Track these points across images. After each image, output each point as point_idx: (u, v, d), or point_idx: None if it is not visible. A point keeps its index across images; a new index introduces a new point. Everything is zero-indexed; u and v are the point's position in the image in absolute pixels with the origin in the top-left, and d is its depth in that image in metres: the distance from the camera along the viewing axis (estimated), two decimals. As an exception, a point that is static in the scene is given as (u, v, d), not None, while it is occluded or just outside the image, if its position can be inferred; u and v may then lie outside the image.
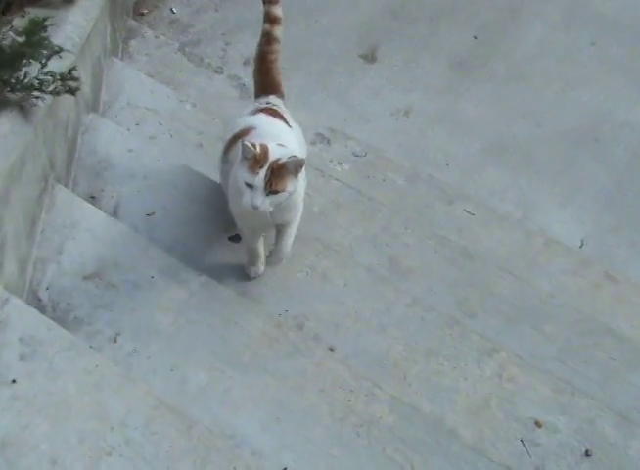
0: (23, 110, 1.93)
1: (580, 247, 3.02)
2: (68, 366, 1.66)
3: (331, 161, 2.94)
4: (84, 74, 2.45)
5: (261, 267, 2.21)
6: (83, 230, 2.05)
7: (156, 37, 3.23)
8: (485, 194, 3.15)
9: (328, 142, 3.01)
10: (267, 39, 2.28)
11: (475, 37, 3.72)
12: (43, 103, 1.98)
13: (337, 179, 2.72)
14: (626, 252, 3.07)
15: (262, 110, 2.18)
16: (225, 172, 2.14)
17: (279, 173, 1.85)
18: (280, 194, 1.86)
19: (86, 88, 2.50)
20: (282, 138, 2.01)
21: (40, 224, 2.01)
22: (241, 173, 1.86)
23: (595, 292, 2.68)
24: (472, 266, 2.55)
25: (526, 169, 3.30)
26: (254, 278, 2.20)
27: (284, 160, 1.85)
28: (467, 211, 2.89)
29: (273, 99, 2.26)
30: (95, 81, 2.63)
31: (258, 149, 1.85)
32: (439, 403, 2.04)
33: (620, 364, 2.35)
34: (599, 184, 3.29)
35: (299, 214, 2.10)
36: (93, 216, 2.09)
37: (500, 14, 3.85)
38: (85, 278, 1.98)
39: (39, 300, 1.91)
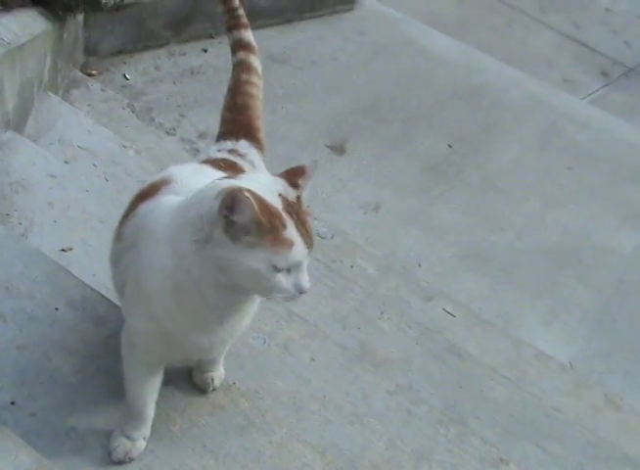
0: None
1: (569, 369, 2.62)
2: None
3: (291, 239, 2.49)
4: (9, 86, 2.02)
5: (142, 444, 1.37)
6: (-31, 239, 1.51)
7: (102, 90, 2.85)
8: (462, 301, 2.74)
9: (289, 219, 2.58)
10: (244, 67, 1.63)
11: (449, 146, 3.49)
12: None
13: (301, 250, 2.27)
14: (619, 380, 2.70)
15: (212, 162, 1.42)
16: (118, 256, 1.34)
17: (304, 218, 1.18)
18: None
19: (9, 104, 2.05)
20: None
21: None
22: (260, 260, 1.11)
23: (596, 416, 2.26)
24: (461, 365, 2.10)
25: (507, 281, 2.94)
26: (122, 461, 1.34)
27: (289, 190, 1.17)
28: (446, 311, 2.47)
29: (243, 147, 1.52)
30: (21, 103, 2.19)
31: (253, 202, 1.09)
32: (434, 527, 1.48)
33: (645, 501, 1.87)
34: (585, 307, 2.96)
35: None
36: (-13, 225, 1.56)
37: (474, 128, 3.67)
38: (-42, 298, 1.41)
39: None
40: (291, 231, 1.13)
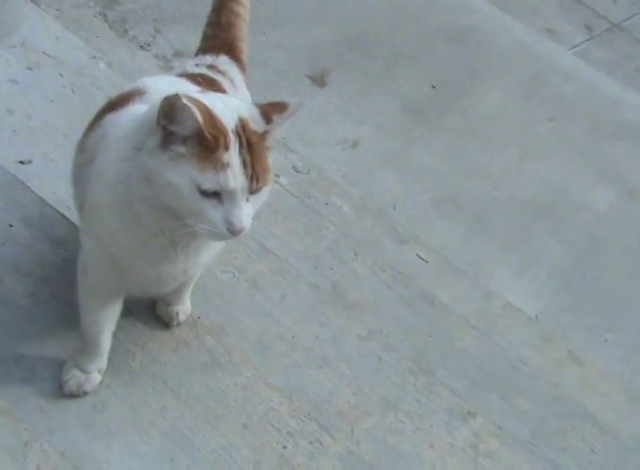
0: None
1: (535, 321, 2.60)
2: None
3: (267, 171, 2.38)
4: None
5: (97, 377, 1.31)
6: None
7: (73, -5, 2.64)
8: (435, 247, 2.68)
9: (265, 150, 2.46)
10: None
11: (433, 87, 3.35)
12: None
13: (279, 183, 2.17)
14: (583, 335, 2.68)
15: (189, 76, 1.32)
16: (80, 169, 1.26)
17: (260, 150, 1.06)
18: (264, 191, 1.10)
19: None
20: None
21: None
22: (184, 175, 1.01)
23: (559, 371, 2.25)
24: (432, 313, 2.05)
25: (481, 230, 2.87)
26: (75, 395, 1.27)
27: (258, 120, 1.07)
28: (420, 257, 2.40)
29: (223, 62, 1.43)
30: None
31: (197, 112, 1.00)
32: (396, 475, 1.44)
33: (604, 459, 1.88)
34: (555, 261, 2.92)
35: None
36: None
37: (460, 71, 3.53)
38: None
39: None
40: (231, 154, 1.02)
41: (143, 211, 1.07)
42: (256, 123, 1.07)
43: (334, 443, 1.32)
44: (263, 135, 1.07)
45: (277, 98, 2.98)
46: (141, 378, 1.27)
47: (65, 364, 1.27)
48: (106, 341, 1.27)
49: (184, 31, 2.96)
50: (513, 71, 3.68)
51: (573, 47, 4.16)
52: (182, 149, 1.01)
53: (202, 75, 1.34)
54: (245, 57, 1.50)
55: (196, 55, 1.49)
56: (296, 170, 2.46)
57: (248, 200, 1.06)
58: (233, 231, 1.04)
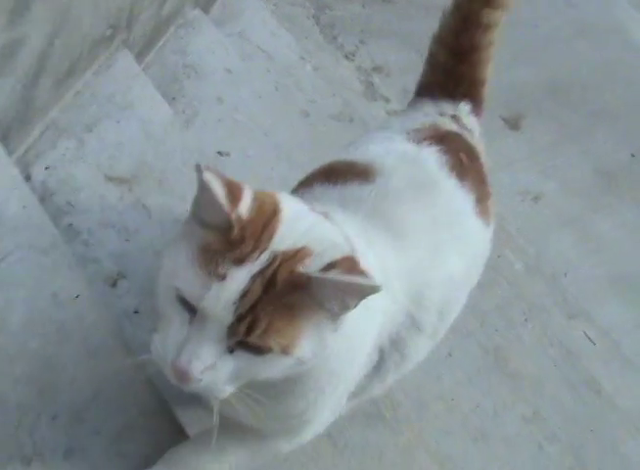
0: None
1: None
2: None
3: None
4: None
5: None
6: (135, 118, 1.36)
7: (293, -8, 2.63)
8: (604, 327, 2.45)
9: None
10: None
11: (632, 155, 3.11)
12: None
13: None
14: None
15: (431, 137, 1.06)
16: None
17: (288, 301, 0.73)
18: (270, 360, 0.75)
19: (204, -19, 1.88)
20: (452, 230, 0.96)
21: (79, 82, 1.31)
22: (172, 259, 0.77)
23: None
24: (598, 404, 1.84)
25: (657, 321, 2.60)
26: None
27: (318, 259, 0.74)
28: (587, 336, 2.19)
29: (461, 110, 1.17)
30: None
31: (247, 200, 0.75)
32: None
33: None
34: None
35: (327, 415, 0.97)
36: (158, 108, 1.40)
37: (664, 142, 3.25)
38: (110, 179, 1.25)
39: (28, 176, 1.19)
40: (237, 272, 0.71)
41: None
42: (314, 264, 0.74)
43: None
44: (308, 282, 0.73)
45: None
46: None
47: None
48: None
49: (387, 47, 2.89)
50: None
51: None
52: (196, 227, 0.76)
53: (448, 136, 1.09)
54: (485, 87, 1.22)
55: (415, 98, 1.22)
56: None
57: (232, 351, 0.74)
58: (173, 365, 0.73)
